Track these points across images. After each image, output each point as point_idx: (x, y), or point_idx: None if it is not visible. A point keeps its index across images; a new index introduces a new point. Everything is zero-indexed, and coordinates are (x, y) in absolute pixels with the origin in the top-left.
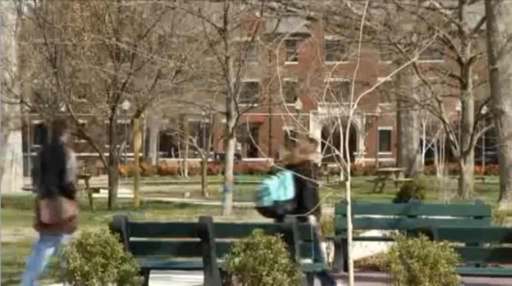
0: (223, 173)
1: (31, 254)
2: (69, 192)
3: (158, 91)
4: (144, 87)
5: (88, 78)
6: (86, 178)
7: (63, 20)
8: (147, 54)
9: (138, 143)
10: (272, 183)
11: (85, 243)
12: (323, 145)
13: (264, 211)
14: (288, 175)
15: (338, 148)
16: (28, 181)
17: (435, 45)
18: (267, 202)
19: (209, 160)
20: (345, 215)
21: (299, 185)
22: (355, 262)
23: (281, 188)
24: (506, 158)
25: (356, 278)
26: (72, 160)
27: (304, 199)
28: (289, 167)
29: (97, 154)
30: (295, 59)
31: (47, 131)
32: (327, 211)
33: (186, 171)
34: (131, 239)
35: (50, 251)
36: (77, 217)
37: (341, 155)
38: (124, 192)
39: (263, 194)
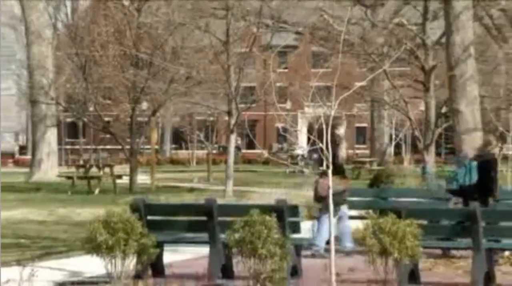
0: (225, 162)
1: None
2: (340, 171)
3: (171, 94)
4: (159, 90)
5: (112, 83)
6: (110, 166)
7: (91, 34)
8: (162, 63)
9: (154, 137)
10: (461, 171)
11: (109, 221)
12: (309, 139)
13: (454, 192)
14: (474, 164)
15: (321, 141)
16: (63, 169)
17: (403, 55)
18: (456, 186)
19: (214, 151)
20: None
21: (484, 171)
22: (335, 237)
23: (467, 175)
24: (462, 150)
25: (337, 250)
26: (343, 148)
27: (489, 182)
28: (478, 156)
29: (120, 147)
30: (286, 67)
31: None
32: (312, 194)
33: (195, 161)
34: (148, 217)
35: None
36: (348, 190)
37: (324, 147)
38: (142, 178)
39: (454, 178)
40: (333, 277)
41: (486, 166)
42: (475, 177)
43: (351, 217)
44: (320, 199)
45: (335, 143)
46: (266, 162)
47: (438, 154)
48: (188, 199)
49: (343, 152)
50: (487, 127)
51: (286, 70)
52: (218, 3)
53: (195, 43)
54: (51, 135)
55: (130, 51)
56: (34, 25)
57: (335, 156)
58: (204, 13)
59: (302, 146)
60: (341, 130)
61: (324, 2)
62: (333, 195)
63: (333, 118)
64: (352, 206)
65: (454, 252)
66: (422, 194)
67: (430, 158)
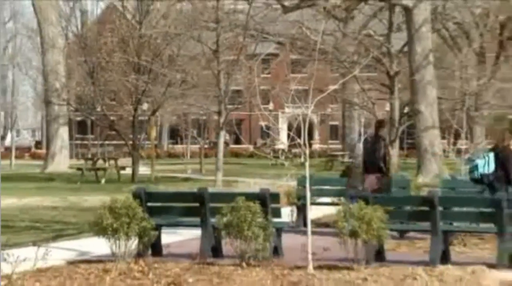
0: (215, 155)
1: None
2: (380, 169)
3: (168, 96)
4: (158, 93)
5: (117, 86)
6: (115, 159)
7: (98, 44)
8: (160, 69)
9: (153, 134)
10: (480, 161)
11: (114, 207)
12: (288, 135)
13: (475, 180)
14: (491, 155)
15: (299, 137)
16: (73, 161)
17: (370, 62)
18: (476, 175)
19: (205, 146)
20: (304, 186)
21: (500, 161)
22: (312, 220)
23: (486, 165)
24: (422, 144)
25: (313, 232)
26: (383, 147)
27: (507, 170)
28: (494, 148)
29: (123, 142)
30: (269, 73)
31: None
32: (291, 183)
33: (189, 154)
34: (148, 204)
35: None
36: (384, 185)
37: (302, 143)
38: (143, 169)
39: (474, 169)
40: (310, 256)
41: (502, 156)
42: (492, 167)
43: (325, 203)
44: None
45: (376, 143)
46: (251, 155)
47: (401, 148)
48: (183, 187)
49: (382, 151)
50: (443, 126)
51: (268, 75)
52: (210, 17)
53: (189, 52)
54: (63, 132)
55: (133, 58)
56: (48, 36)
57: (378, 156)
58: (197, 25)
59: (282, 141)
60: (383, 131)
61: (302, 16)
62: (375, 190)
63: (379, 121)
64: (326, 193)
65: (416, 233)
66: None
67: (394, 151)
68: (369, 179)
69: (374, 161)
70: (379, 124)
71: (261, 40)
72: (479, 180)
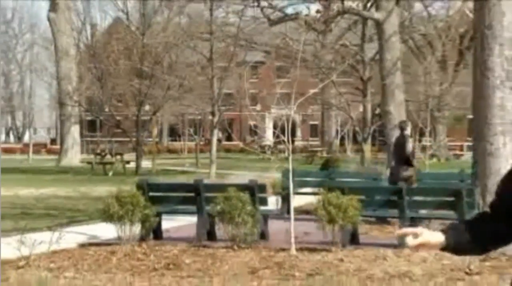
0: (210, 151)
1: None
2: (408, 162)
3: (168, 99)
4: (158, 96)
5: (122, 90)
6: (121, 154)
7: (106, 52)
8: (161, 74)
9: (154, 131)
10: None
11: (120, 196)
12: (274, 133)
13: None
14: None
15: (284, 135)
16: (84, 156)
17: (346, 69)
18: None
19: (201, 142)
20: (288, 178)
21: None
22: (294, 208)
23: None
24: (391, 141)
25: (295, 219)
26: (410, 144)
27: None
28: None
29: (128, 139)
30: (257, 78)
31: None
32: (276, 175)
33: (186, 150)
34: (150, 193)
35: None
36: (413, 176)
37: (286, 140)
38: (146, 163)
39: None
40: (293, 239)
41: None
42: None
43: (306, 193)
44: (392, 182)
45: (404, 141)
46: (241, 151)
47: (373, 145)
48: (181, 179)
49: (409, 147)
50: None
51: (256, 80)
52: (204, 29)
53: (186, 59)
54: (75, 130)
55: (136, 65)
56: (62, 46)
57: (404, 150)
58: (193, 36)
59: (268, 138)
60: (408, 130)
61: (286, 28)
62: (403, 179)
63: (401, 121)
64: (307, 184)
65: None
66: (360, 175)
67: (367, 147)
68: (395, 170)
69: (403, 155)
70: (402, 123)
71: (249, 49)
72: None
